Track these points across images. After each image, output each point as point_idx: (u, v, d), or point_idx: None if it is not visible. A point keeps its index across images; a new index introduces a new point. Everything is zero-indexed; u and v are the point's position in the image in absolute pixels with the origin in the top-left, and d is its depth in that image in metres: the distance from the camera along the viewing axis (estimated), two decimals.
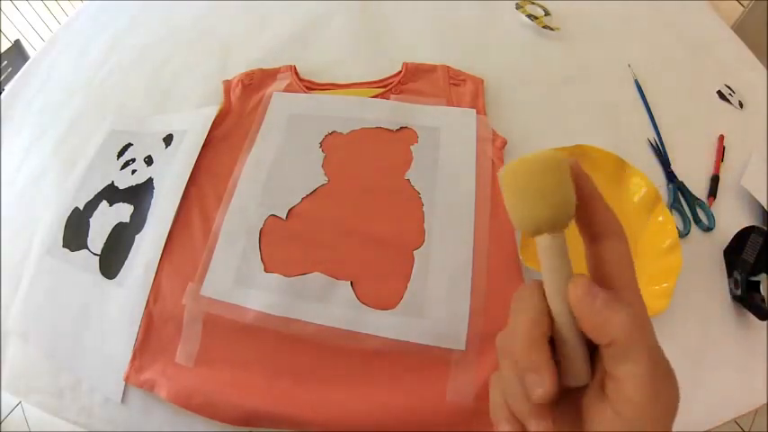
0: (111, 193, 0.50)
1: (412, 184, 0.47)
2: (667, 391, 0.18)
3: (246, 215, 0.45)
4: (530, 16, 0.64)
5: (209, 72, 0.61)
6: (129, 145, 0.54)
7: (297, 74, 0.58)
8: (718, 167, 0.51)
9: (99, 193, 0.51)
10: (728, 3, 0.82)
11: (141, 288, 0.43)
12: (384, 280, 0.41)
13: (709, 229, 0.46)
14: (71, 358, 0.43)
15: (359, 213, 0.45)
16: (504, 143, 0.50)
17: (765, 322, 0.42)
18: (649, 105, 0.56)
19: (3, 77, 1.17)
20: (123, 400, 0.39)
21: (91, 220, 0.49)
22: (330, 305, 0.40)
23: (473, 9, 0.68)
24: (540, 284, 0.20)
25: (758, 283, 0.43)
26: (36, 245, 0.49)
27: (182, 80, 0.62)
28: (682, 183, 0.49)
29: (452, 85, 0.55)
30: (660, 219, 0.44)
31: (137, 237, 0.46)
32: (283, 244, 0.44)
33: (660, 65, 0.61)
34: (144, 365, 0.41)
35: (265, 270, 0.42)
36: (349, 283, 0.41)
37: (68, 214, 0.50)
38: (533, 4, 0.66)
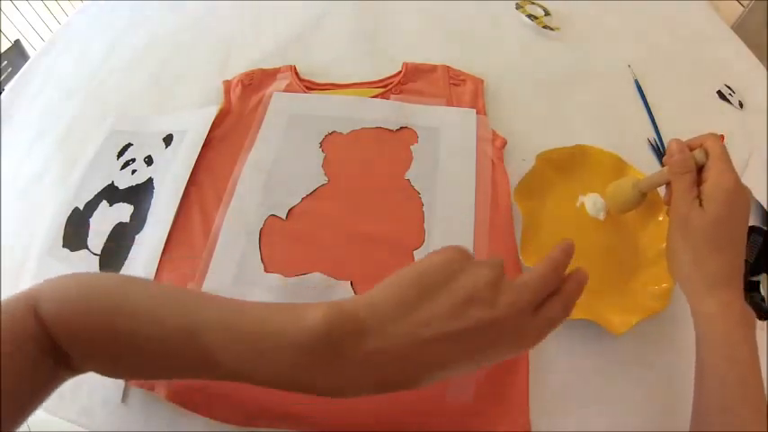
0: (111, 193, 0.50)
1: (412, 184, 0.47)
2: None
3: (246, 215, 0.45)
4: (530, 16, 0.64)
5: (209, 72, 0.61)
6: (129, 145, 0.54)
7: (297, 74, 0.58)
8: None
9: (99, 193, 0.51)
10: (728, 3, 0.82)
11: None
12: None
13: None
14: None
15: (359, 213, 0.45)
16: (504, 143, 0.50)
17: (765, 322, 0.42)
18: (649, 105, 0.56)
19: (3, 77, 1.18)
20: (123, 400, 0.39)
21: (91, 220, 0.49)
22: None
23: (473, 9, 0.68)
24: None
25: (758, 283, 0.43)
26: (36, 245, 0.49)
27: (182, 80, 0.61)
28: None
29: (452, 85, 0.55)
30: (660, 219, 0.44)
31: (137, 237, 0.46)
32: (283, 244, 0.44)
33: (660, 65, 0.61)
34: None
35: (265, 270, 0.42)
36: (349, 282, 0.41)
37: (68, 214, 0.50)
38: (533, 4, 0.66)
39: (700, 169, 0.35)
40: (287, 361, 0.26)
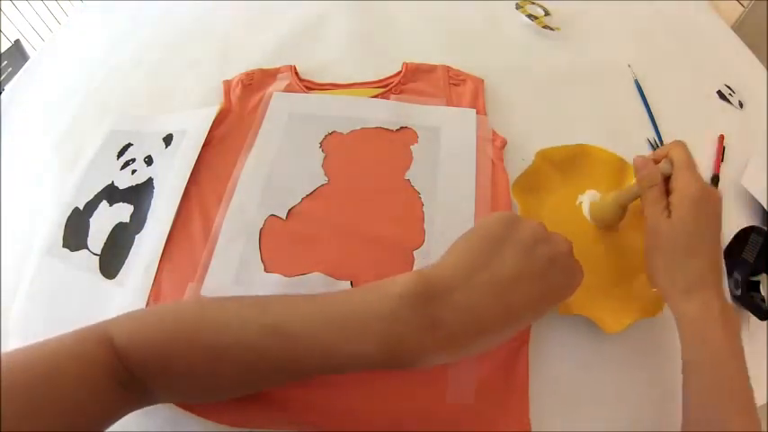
0: (111, 193, 0.50)
1: (412, 184, 0.47)
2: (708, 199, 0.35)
3: (246, 215, 0.45)
4: (530, 16, 0.64)
5: (209, 72, 0.61)
6: (129, 145, 0.54)
7: (297, 74, 0.58)
8: (718, 167, 0.51)
9: (99, 193, 0.51)
10: (728, 3, 0.82)
11: (141, 288, 0.43)
12: None
13: None
14: None
15: (359, 213, 0.45)
16: (504, 143, 0.50)
17: (765, 322, 0.42)
18: (649, 105, 0.56)
19: (3, 77, 1.18)
20: None
21: (91, 220, 0.49)
22: None
23: (473, 9, 0.68)
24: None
25: (758, 283, 0.43)
26: (36, 245, 0.49)
27: (182, 80, 0.61)
28: None
29: (452, 85, 0.55)
30: None
31: (137, 237, 0.46)
32: (283, 244, 0.44)
33: (660, 65, 0.61)
34: None
35: (265, 270, 0.42)
36: (349, 282, 0.41)
37: (68, 214, 0.50)
38: (533, 4, 0.66)
39: (669, 179, 0.36)
40: (383, 332, 0.27)
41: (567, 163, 0.48)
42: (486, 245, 0.30)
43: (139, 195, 0.49)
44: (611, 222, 0.43)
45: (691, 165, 0.36)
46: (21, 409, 0.25)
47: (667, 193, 0.36)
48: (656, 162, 0.38)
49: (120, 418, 0.31)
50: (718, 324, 0.32)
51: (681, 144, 0.37)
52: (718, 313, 0.33)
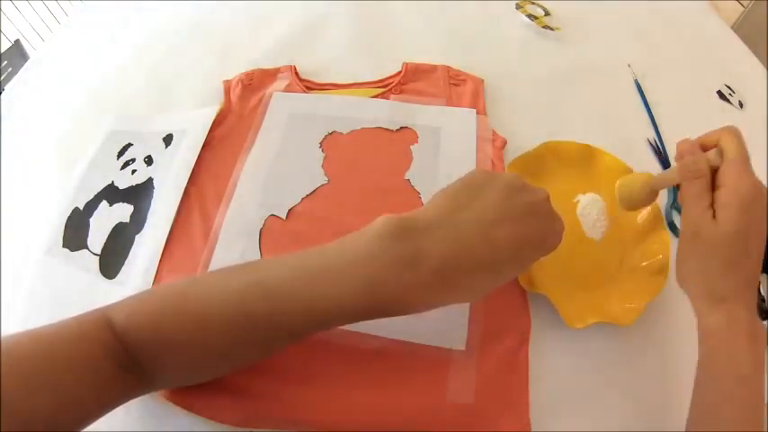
0: (111, 193, 0.50)
1: (412, 184, 0.47)
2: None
3: (246, 215, 0.45)
4: (530, 16, 0.64)
5: (209, 72, 0.61)
6: (129, 145, 0.54)
7: (297, 74, 0.58)
8: None
9: (99, 193, 0.51)
10: (728, 3, 0.83)
11: (141, 288, 0.43)
12: None
13: None
14: None
15: (359, 213, 0.45)
16: (504, 143, 0.50)
17: (765, 322, 0.42)
18: (649, 105, 0.56)
19: (3, 77, 1.18)
20: None
21: (91, 220, 0.49)
22: None
23: (473, 9, 0.68)
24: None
25: (758, 282, 0.43)
26: (36, 245, 0.49)
27: (182, 80, 0.61)
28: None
29: (452, 85, 0.55)
30: (651, 239, 0.43)
31: (137, 237, 0.46)
32: (283, 244, 0.44)
33: (660, 65, 0.61)
34: None
35: None
36: None
37: (68, 214, 0.50)
38: (533, 4, 0.66)
39: (715, 170, 0.31)
40: (361, 274, 0.27)
41: (571, 159, 0.47)
42: (467, 191, 0.30)
43: (139, 195, 0.49)
44: (637, 204, 0.39)
45: (745, 158, 0.30)
46: (21, 388, 0.25)
47: (713, 187, 0.31)
48: (704, 150, 0.32)
49: (120, 403, 0.31)
50: (745, 341, 0.30)
51: (734, 131, 0.32)
52: (747, 328, 0.30)
